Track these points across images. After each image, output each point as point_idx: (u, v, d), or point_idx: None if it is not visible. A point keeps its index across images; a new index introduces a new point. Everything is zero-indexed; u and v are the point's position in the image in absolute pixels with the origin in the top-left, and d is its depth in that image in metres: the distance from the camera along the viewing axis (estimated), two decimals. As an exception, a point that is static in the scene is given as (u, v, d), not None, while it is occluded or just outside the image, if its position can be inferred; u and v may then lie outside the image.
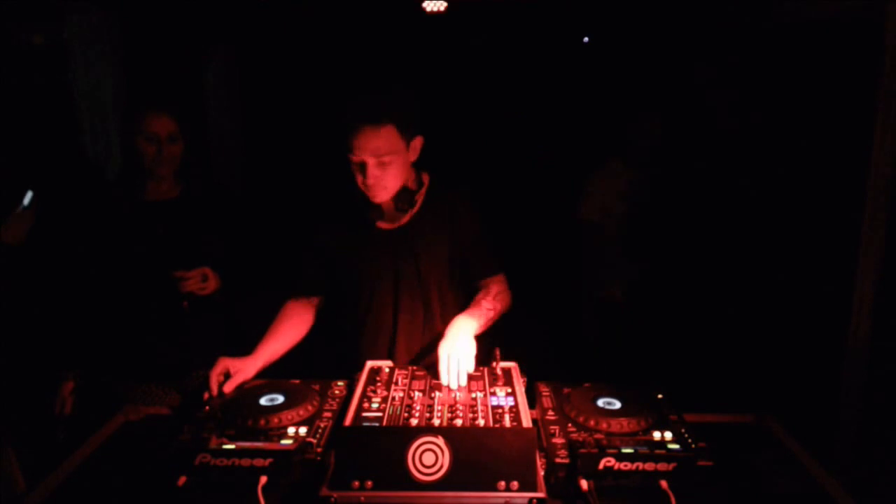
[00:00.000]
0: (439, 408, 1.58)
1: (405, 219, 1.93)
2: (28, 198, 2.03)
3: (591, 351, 3.38)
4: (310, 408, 1.59)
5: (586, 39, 6.10)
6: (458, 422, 1.51)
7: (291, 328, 1.95)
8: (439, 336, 1.76)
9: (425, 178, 1.96)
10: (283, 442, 1.44)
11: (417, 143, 1.85)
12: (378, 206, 1.88)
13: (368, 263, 1.96)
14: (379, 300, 1.98)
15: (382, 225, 1.94)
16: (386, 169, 1.77)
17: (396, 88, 1.82)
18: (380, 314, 1.98)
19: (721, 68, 3.78)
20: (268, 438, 1.46)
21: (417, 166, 1.94)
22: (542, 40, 5.88)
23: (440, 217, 1.93)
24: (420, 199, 1.94)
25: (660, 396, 1.64)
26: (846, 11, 2.72)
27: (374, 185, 1.78)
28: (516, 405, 1.59)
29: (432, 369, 1.76)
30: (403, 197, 1.86)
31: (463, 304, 1.94)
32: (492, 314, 1.89)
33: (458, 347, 1.70)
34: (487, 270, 1.99)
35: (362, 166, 1.76)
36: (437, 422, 1.51)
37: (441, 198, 1.95)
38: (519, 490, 1.25)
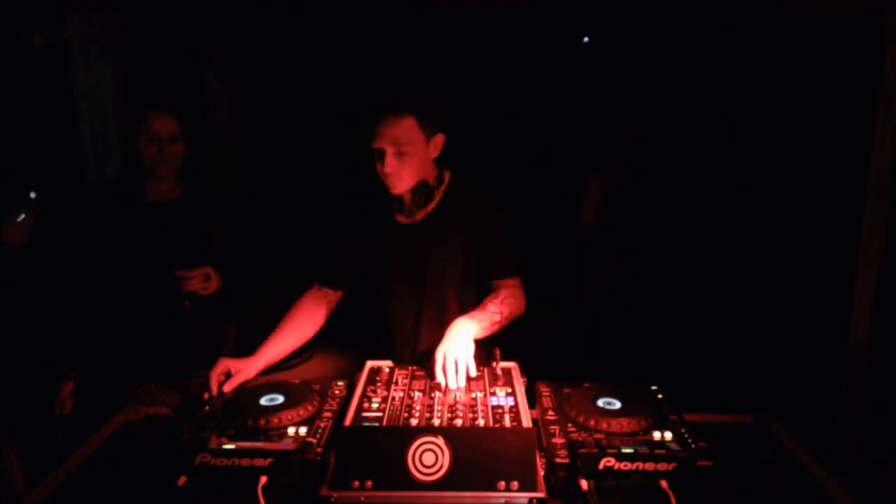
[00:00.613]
0: (439, 408, 1.58)
1: (422, 214, 1.95)
2: (31, 197, 2.03)
3: (590, 349, 3.38)
4: (310, 408, 1.59)
5: (586, 39, 6.09)
6: (458, 422, 1.51)
7: (299, 327, 1.94)
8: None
9: (447, 176, 1.98)
10: (283, 442, 1.44)
11: (439, 140, 1.88)
12: (398, 200, 1.91)
13: (385, 256, 1.99)
14: (395, 293, 2.00)
15: (401, 219, 1.97)
16: (403, 159, 1.81)
17: (421, 84, 1.88)
18: (397, 307, 2.01)
19: (720, 68, 3.78)
20: (268, 438, 1.46)
21: (440, 164, 1.96)
22: (542, 40, 5.87)
23: (457, 214, 1.95)
24: (439, 195, 1.96)
25: (660, 396, 1.64)
26: (846, 11, 2.72)
27: (391, 173, 1.82)
28: (516, 405, 1.59)
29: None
30: (421, 191, 1.89)
31: (479, 303, 1.94)
32: (497, 317, 1.87)
33: (454, 348, 1.70)
34: (500, 272, 1.99)
35: (381, 154, 1.81)
36: (437, 422, 1.51)
37: (461, 195, 1.97)
38: (519, 490, 1.25)
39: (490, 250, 1.96)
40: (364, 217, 2.02)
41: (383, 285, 2.01)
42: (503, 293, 1.94)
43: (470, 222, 1.94)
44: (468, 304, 1.95)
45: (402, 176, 1.83)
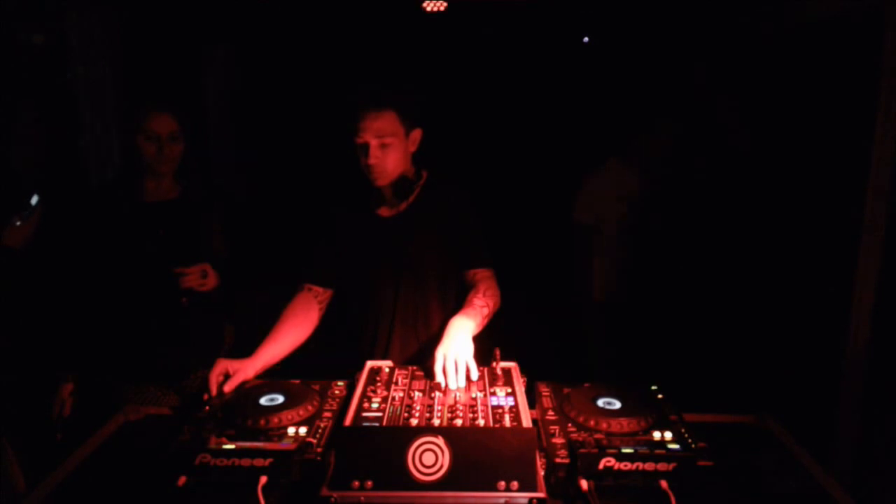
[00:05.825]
0: (439, 408, 1.58)
1: (403, 206, 2.02)
2: (34, 201, 2.03)
3: (587, 351, 3.38)
4: (310, 408, 1.59)
5: (586, 39, 6.09)
6: (458, 422, 1.51)
7: (294, 329, 1.95)
8: (437, 328, 1.77)
9: (424, 174, 2.06)
10: (283, 442, 1.44)
11: (417, 135, 1.98)
12: (379, 193, 1.99)
13: (368, 248, 2.03)
14: (378, 284, 2.04)
15: (382, 212, 2.05)
16: (386, 151, 1.89)
17: (400, 81, 1.99)
18: (380, 299, 2.05)
19: (721, 68, 3.78)
20: (268, 438, 1.45)
21: (417, 163, 2.04)
22: (542, 40, 5.87)
23: (436, 206, 2.02)
24: (418, 189, 2.03)
25: (660, 396, 1.64)
26: (846, 11, 2.72)
27: (375, 164, 1.89)
28: (516, 405, 1.59)
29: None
30: (402, 184, 1.97)
31: (459, 295, 1.99)
32: (486, 311, 1.91)
33: (454, 348, 1.70)
34: (476, 261, 2.04)
35: (365, 148, 1.89)
36: (437, 422, 1.51)
37: (438, 189, 2.05)
38: (519, 490, 1.25)
39: (464, 238, 2.03)
40: (346, 213, 2.08)
41: (365, 276, 2.05)
42: (482, 286, 1.98)
43: (447, 214, 2.02)
44: (448, 294, 2.03)
45: (385, 167, 1.92)
